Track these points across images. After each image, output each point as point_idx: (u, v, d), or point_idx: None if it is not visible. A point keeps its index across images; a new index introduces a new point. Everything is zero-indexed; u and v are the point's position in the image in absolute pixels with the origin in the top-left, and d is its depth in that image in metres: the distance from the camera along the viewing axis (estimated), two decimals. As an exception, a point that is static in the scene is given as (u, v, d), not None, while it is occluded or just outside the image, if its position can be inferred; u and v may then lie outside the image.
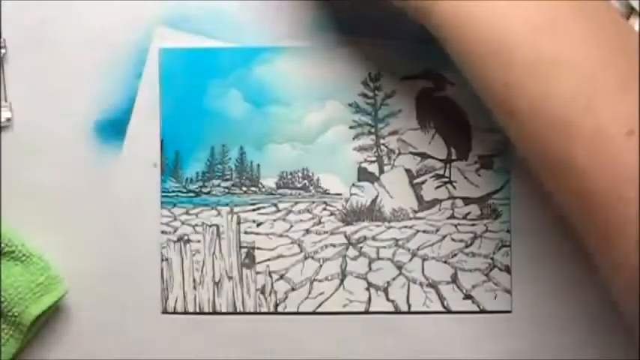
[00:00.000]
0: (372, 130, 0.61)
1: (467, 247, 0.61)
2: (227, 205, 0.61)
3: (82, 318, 0.61)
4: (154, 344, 0.61)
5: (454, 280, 0.61)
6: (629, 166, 0.42)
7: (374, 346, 0.61)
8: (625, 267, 0.43)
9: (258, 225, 0.61)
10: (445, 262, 0.61)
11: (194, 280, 0.61)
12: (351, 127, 0.61)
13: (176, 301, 0.61)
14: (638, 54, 0.45)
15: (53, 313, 0.60)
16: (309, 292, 0.61)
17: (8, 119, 0.60)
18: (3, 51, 0.60)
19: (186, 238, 0.61)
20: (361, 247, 0.61)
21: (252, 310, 0.61)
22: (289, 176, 0.61)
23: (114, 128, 0.61)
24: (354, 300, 0.61)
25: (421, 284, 0.61)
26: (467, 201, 0.61)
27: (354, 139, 0.61)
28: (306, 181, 0.61)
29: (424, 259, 0.61)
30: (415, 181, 0.61)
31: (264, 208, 0.61)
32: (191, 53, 0.61)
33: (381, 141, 0.61)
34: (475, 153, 0.61)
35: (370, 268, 0.61)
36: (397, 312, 0.61)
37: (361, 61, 0.61)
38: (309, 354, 0.61)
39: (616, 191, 0.43)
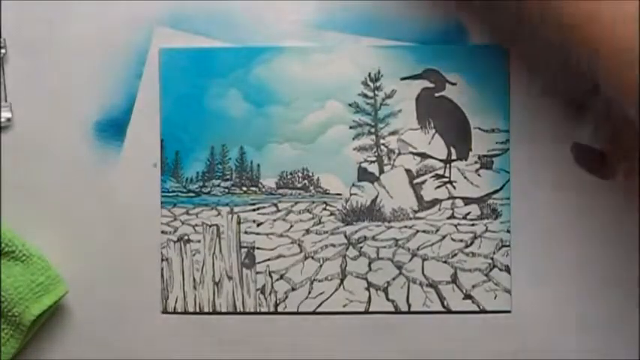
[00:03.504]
0: (372, 130, 0.61)
1: (467, 247, 0.61)
2: (227, 205, 0.61)
3: (82, 318, 0.61)
4: (154, 344, 0.61)
5: (454, 280, 0.61)
6: None
7: (374, 346, 0.61)
8: None
9: (258, 225, 0.61)
10: (445, 262, 0.61)
11: (194, 280, 0.61)
12: (351, 127, 0.61)
13: (176, 301, 0.61)
14: None
15: (53, 313, 0.60)
16: (309, 292, 0.61)
17: (8, 119, 0.61)
18: (3, 51, 0.60)
19: (186, 238, 0.61)
20: (361, 247, 0.61)
21: (252, 310, 0.61)
22: (289, 176, 0.61)
23: (114, 128, 0.61)
24: (354, 300, 0.61)
25: (421, 284, 0.61)
26: (467, 201, 0.61)
27: (354, 139, 0.61)
28: (306, 181, 0.61)
29: (424, 259, 0.61)
30: (415, 181, 0.61)
31: (264, 208, 0.61)
32: (191, 53, 0.61)
33: (381, 141, 0.61)
34: (475, 153, 0.61)
35: (370, 268, 0.61)
36: (397, 312, 0.61)
37: (361, 61, 0.61)
38: (309, 354, 0.61)
39: None
